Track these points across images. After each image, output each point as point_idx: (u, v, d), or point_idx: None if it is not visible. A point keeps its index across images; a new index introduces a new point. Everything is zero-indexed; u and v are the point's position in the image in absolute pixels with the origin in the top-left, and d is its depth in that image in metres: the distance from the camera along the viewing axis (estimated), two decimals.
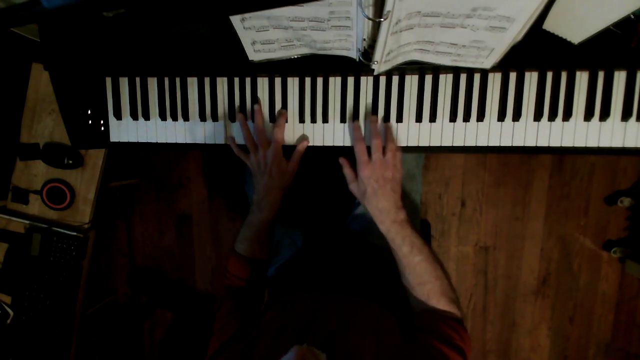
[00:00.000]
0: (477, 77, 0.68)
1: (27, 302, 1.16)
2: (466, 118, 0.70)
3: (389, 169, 0.65)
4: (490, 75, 0.68)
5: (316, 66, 0.69)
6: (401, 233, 0.63)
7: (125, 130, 0.79)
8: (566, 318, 1.62)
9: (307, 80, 0.72)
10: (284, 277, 0.88)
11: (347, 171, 0.69)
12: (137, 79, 0.76)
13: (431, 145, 0.72)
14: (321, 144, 0.74)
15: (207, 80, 0.75)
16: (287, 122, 0.74)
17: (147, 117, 0.78)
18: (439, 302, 0.62)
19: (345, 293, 0.68)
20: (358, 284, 0.75)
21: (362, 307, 0.61)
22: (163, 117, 0.77)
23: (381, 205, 0.64)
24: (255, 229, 0.74)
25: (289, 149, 0.74)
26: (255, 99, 0.74)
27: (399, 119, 0.71)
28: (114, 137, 0.80)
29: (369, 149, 0.66)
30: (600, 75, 0.66)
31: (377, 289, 0.75)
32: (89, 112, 0.78)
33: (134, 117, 0.78)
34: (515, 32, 0.55)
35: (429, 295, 0.62)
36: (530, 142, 0.69)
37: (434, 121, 0.71)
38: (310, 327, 0.56)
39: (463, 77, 0.69)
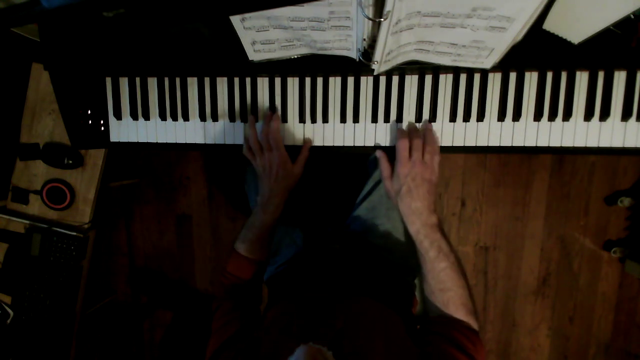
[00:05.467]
0: (477, 77, 0.68)
1: (27, 302, 1.16)
2: (466, 118, 0.70)
3: (428, 170, 0.64)
4: (490, 75, 0.68)
5: (316, 66, 0.69)
6: (430, 237, 0.62)
7: (125, 130, 0.79)
8: (566, 318, 1.62)
9: (307, 80, 0.72)
10: (284, 276, 0.88)
11: (384, 166, 0.68)
12: (137, 79, 0.76)
13: None
14: (321, 144, 0.74)
15: (207, 80, 0.75)
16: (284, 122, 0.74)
17: (147, 117, 0.78)
18: (457, 311, 0.61)
19: (346, 292, 0.67)
20: (359, 283, 0.75)
21: (369, 307, 0.61)
22: (163, 117, 0.77)
23: (414, 206, 0.63)
24: (258, 230, 0.74)
25: (293, 150, 0.75)
26: (255, 99, 0.74)
27: (399, 119, 0.71)
28: (114, 137, 0.80)
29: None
30: (600, 75, 0.66)
31: (378, 289, 0.75)
32: (89, 112, 0.78)
33: (134, 117, 0.78)
34: (515, 32, 0.55)
35: (449, 303, 0.61)
36: (530, 142, 0.69)
37: (434, 121, 0.71)
38: (317, 326, 0.55)
39: (463, 77, 0.69)
